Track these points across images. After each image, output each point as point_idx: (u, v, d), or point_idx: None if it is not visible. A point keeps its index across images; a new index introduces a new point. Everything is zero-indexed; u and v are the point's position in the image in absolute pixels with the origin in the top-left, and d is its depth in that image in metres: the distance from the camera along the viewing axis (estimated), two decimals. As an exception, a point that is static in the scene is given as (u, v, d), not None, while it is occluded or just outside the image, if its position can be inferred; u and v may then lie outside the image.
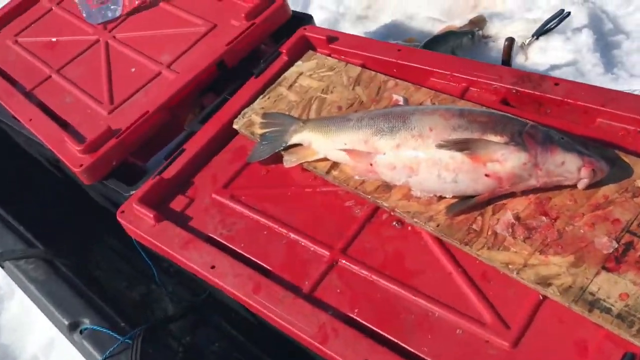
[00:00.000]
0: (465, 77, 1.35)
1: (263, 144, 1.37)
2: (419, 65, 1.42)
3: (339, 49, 1.55)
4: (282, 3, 1.65)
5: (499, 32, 2.35)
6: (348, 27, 2.67)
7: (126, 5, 1.91)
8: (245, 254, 1.23)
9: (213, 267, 1.19)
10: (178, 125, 1.62)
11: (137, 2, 1.91)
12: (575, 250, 0.99)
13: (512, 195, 1.08)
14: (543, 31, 2.19)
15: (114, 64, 1.75)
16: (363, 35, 2.57)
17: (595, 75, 2.05)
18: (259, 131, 1.41)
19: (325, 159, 1.28)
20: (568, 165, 1.02)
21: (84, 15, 1.90)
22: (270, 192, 1.32)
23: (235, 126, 1.47)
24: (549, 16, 2.29)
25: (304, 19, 1.72)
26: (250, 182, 1.36)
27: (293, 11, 1.73)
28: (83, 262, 1.79)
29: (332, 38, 1.56)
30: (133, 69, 1.70)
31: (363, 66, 1.50)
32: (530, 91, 1.26)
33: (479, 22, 2.37)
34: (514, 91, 1.27)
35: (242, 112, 1.48)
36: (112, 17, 1.89)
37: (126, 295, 1.81)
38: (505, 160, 1.02)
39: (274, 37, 1.72)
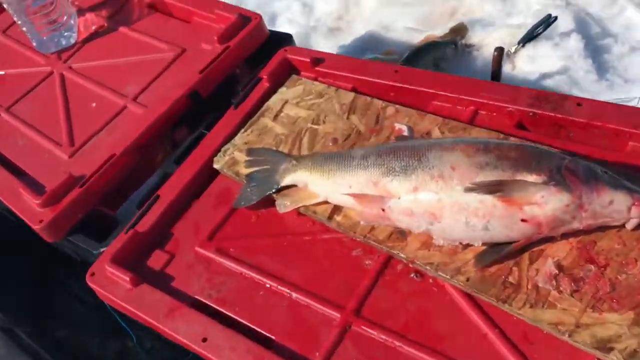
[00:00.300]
0: (473, 99, 1.21)
1: (251, 187, 1.20)
2: (419, 88, 1.27)
3: (327, 71, 1.40)
4: (258, 22, 1.49)
5: (482, 40, 2.23)
6: (321, 41, 2.52)
7: (81, 31, 1.72)
8: (241, 320, 1.06)
9: (205, 339, 1.02)
10: (148, 164, 1.44)
11: (93, 28, 1.73)
12: (634, 305, 0.85)
13: (550, 239, 0.94)
14: (530, 38, 2.07)
15: (71, 98, 1.55)
16: (338, 49, 2.43)
17: (589, 82, 1.94)
18: (245, 171, 1.24)
19: (325, 202, 1.12)
20: (617, 205, 0.88)
21: (34, 44, 1.69)
22: (263, 243, 1.16)
23: (216, 166, 1.30)
24: (532, 21, 2.18)
25: (283, 39, 1.56)
26: (238, 231, 1.19)
27: (270, 30, 1.57)
28: (48, 324, 1.59)
29: (318, 60, 1.41)
30: (94, 104, 1.51)
31: (355, 90, 1.35)
32: (550, 113, 1.12)
33: (460, 31, 2.25)
34: (531, 114, 1.14)
35: (223, 149, 1.31)
36: (66, 45, 1.69)
37: (99, 356, 1.61)
38: (546, 202, 0.88)
39: (249, 60, 1.55)
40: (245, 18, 1.50)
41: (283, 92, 1.39)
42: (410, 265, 1.01)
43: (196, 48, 1.52)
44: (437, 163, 0.95)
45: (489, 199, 0.90)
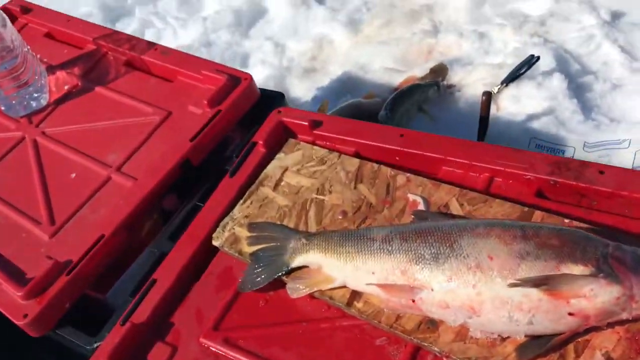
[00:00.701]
0: (486, 166, 1.16)
1: (257, 269, 1.11)
2: (427, 153, 1.21)
3: (326, 135, 1.33)
4: (249, 83, 1.41)
5: (462, 79, 2.21)
6: (296, 83, 2.46)
7: (53, 92, 1.61)
8: None
9: None
10: (135, 238, 1.33)
11: (66, 87, 1.61)
12: (695, 402, 0.80)
13: (595, 328, 0.89)
14: (513, 78, 2.05)
15: (47, 168, 1.43)
16: (315, 91, 2.37)
17: (576, 123, 1.93)
18: (248, 249, 1.16)
19: (343, 286, 1.05)
20: (667, 293, 0.83)
21: (2, 108, 1.57)
22: (275, 332, 1.07)
23: (215, 243, 1.20)
24: (511, 60, 2.17)
25: (274, 98, 1.48)
26: (246, 318, 1.10)
27: (259, 89, 1.49)
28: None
29: (316, 122, 1.34)
30: (73, 175, 1.40)
31: (358, 155, 1.29)
32: (572, 182, 1.08)
33: (440, 71, 2.23)
34: (552, 182, 1.09)
35: (222, 224, 1.23)
36: (36, 107, 1.58)
37: None
38: (595, 296, 0.83)
39: (240, 121, 1.47)
40: (235, 79, 1.42)
41: (281, 159, 1.31)
42: (444, 358, 0.94)
43: (183, 111, 1.43)
44: (472, 251, 0.89)
45: (533, 292, 0.84)
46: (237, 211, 1.24)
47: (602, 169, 1.08)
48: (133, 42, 1.60)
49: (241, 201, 1.26)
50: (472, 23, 2.44)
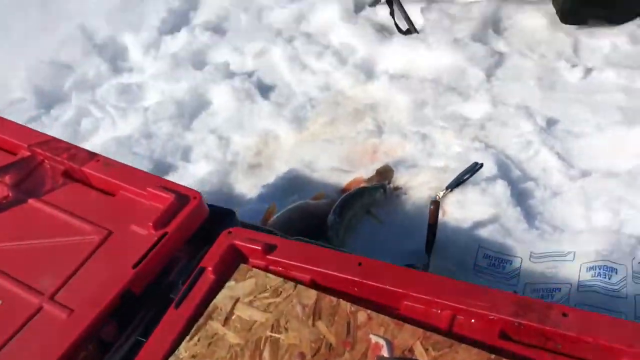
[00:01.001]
0: (449, 303, 1.12)
1: (207, 421, 1.02)
2: (387, 287, 1.17)
3: (280, 260, 1.27)
4: (199, 202, 1.34)
5: (407, 182, 2.23)
6: (241, 179, 2.41)
7: (-20, 202, 1.48)
8: None
9: None
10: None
11: (-5, 198, 1.49)
12: None
13: None
14: (457, 183, 2.08)
15: (-31, 293, 1.30)
16: (261, 188, 2.33)
17: (521, 232, 1.96)
18: (197, 397, 1.06)
19: None
20: None
21: None
22: None
23: (160, 388, 1.10)
24: (454, 164, 2.22)
25: (225, 216, 1.42)
26: None
27: (208, 205, 1.42)
28: None
29: (270, 246, 1.27)
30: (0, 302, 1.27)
31: (314, 284, 1.23)
32: (536, 325, 1.05)
33: (386, 173, 2.24)
34: (517, 324, 1.06)
35: (167, 364, 1.13)
36: (-40, 219, 1.45)
37: None
38: None
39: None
40: (183, 197, 1.34)
41: (232, 287, 1.23)
42: None
43: (125, 230, 1.34)
44: (447, 419, 0.83)
45: None
46: (183, 350, 1.14)
47: (565, 311, 1.06)
48: (72, 151, 1.51)
49: (188, 337, 1.16)
50: (415, 124, 2.49)
